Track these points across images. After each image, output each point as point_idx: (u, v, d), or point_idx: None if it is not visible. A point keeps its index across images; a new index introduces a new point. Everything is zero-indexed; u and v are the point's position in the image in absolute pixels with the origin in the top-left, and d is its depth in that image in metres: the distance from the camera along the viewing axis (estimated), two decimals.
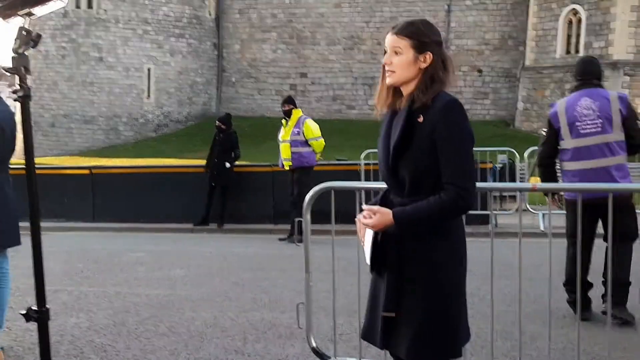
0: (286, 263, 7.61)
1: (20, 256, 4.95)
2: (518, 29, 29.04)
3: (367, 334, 2.41)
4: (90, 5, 30.69)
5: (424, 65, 2.27)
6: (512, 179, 11.09)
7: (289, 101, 9.73)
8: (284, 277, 6.74)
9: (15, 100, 1.97)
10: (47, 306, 2.06)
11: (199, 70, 33.18)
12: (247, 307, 5.44)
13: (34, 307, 2.00)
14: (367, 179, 9.98)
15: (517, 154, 10.83)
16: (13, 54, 1.90)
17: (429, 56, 2.26)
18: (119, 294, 5.95)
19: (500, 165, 11.37)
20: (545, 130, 5.04)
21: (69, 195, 11.52)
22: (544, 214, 9.68)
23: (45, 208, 10.86)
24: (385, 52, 2.33)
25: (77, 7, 30.57)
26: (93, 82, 30.86)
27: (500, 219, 9.81)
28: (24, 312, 2.02)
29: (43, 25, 28.75)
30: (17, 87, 1.91)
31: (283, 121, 9.56)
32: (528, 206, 10.32)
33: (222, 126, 11.05)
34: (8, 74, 1.97)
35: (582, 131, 4.79)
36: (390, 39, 2.31)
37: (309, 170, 9.29)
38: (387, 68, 2.30)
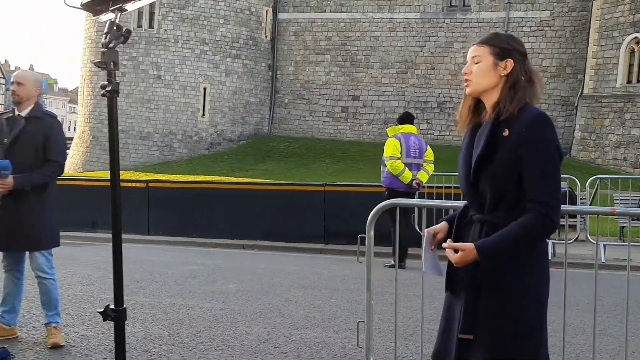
0: (338, 282, 7.54)
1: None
2: (577, 56, 28.51)
3: (439, 356, 2.31)
4: (151, 25, 31.62)
5: (504, 72, 2.17)
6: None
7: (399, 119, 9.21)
8: (337, 296, 6.67)
9: (103, 95, 1.99)
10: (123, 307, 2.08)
11: (253, 91, 33.66)
12: (300, 325, 5.39)
13: (112, 306, 2.01)
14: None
15: (578, 182, 10.53)
16: (103, 48, 1.93)
17: (509, 63, 2.17)
18: (173, 305, 5.97)
19: None
20: None
21: (125, 207, 11.70)
22: (605, 245, 9.38)
23: (104, 219, 11.11)
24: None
25: (139, 26, 31.52)
26: (151, 100, 31.68)
27: (558, 248, 9.52)
28: (100, 310, 2.03)
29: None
30: (106, 82, 1.94)
31: None
32: (589, 237, 10.01)
33: None
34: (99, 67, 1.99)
35: None
36: (471, 50, 2.25)
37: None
38: (465, 77, 2.23)
